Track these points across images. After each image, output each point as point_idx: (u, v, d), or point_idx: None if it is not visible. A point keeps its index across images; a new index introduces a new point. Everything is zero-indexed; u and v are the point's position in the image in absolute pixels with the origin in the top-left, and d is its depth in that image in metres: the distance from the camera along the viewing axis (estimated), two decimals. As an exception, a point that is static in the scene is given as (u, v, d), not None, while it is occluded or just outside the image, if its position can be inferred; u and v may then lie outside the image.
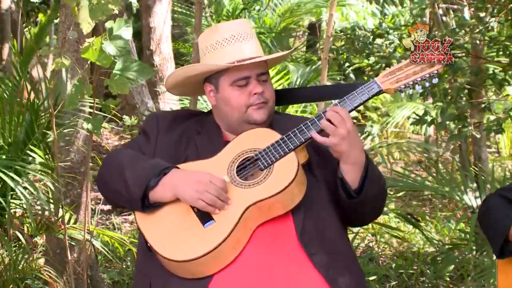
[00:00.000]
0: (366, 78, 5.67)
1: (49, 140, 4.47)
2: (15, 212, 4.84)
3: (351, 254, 2.63)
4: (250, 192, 2.49)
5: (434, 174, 5.79)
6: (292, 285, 2.44)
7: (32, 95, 4.52)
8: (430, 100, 7.45)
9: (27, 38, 8.99)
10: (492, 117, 5.53)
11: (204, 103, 6.64)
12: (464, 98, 5.54)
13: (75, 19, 3.17)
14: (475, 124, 5.75)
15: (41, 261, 4.77)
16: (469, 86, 5.60)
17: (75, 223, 4.53)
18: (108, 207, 7.22)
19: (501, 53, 5.67)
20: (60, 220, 4.37)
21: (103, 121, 3.68)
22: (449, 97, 5.46)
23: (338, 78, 8.34)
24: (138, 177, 2.51)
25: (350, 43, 5.68)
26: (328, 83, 6.24)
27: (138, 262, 2.67)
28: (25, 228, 4.82)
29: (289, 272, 2.46)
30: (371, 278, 5.41)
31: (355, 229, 5.67)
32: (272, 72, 6.74)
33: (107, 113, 4.09)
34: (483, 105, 5.74)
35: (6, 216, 4.19)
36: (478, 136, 5.93)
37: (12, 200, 4.34)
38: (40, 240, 5.08)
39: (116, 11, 3.20)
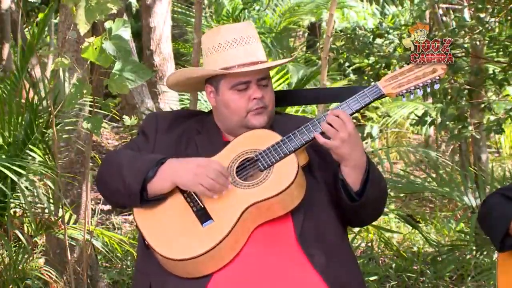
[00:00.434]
0: (366, 78, 5.67)
1: (48, 139, 4.47)
2: (15, 212, 4.84)
3: (350, 255, 2.63)
4: (250, 193, 2.49)
5: (434, 175, 5.78)
6: (290, 285, 2.44)
7: (32, 95, 4.52)
8: (430, 100, 7.46)
9: (27, 38, 8.99)
10: (492, 117, 5.53)
11: (204, 103, 6.64)
12: (464, 98, 5.54)
13: (73, 19, 3.17)
14: (475, 125, 5.75)
15: (41, 261, 4.77)
16: (469, 86, 5.60)
17: (75, 223, 4.53)
18: (108, 207, 7.22)
19: (501, 53, 5.67)
20: (60, 220, 4.37)
21: (103, 121, 3.68)
22: (449, 97, 5.46)
23: (338, 78, 8.35)
24: (136, 172, 2.51)
25: (350, 43, 5.68)
26: (328, 83, 6.25)
27: (137, 261, 2.67)
28: (25, 228, 4.82)
29: (288, 273, 2.46)
30: (371, 278, 5.41)
31: (355, 229, 5.67)
32: (271, 72, 6.73)
33: (107, 112, 4.09)
34: (483, 105, 5.74)
35: (6, 216, 4.19)
36: (478, 136, 5.92)
37: (12, 200, 4.33)
38: (40, 240, 5.08)
39: (115, 11, 3.20)
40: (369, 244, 6.17)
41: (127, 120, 7.04)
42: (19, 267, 4.40)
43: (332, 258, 2.51)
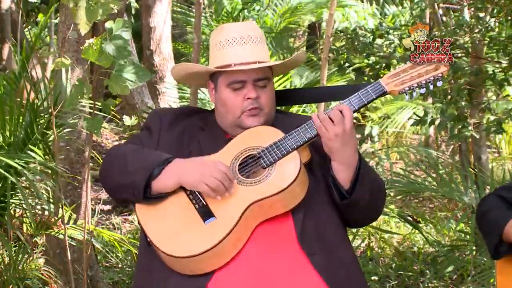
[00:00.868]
0: (366, 78, 5.67)
1: (49, 140, 4.47)
2: (15, 212, 4.84)
3: (350, 254, 2.63)
4: (252, 190, 2.49)
5: (434, 175, 5.79)
6: (291, 285, 2.45)
7: (32, 95, 4.52)
8: (430, 100, 7.46)
9: (27, 38, 8.98)
10: (492, 117, 5.54)
11: (207, 105, 6.64)
12: (464, 98, 5.54)
13: (73, 19, 3.17)
14: (475, 125, 5.75)
15: (41, 261, 4.77)
16: (469, 86, 5.60)
17: (75, 223, 4.53)
18: (108, 207, 7.22)
19: (501, 53, 5.67)
20: (60, 220, 4.37)
21: (103, 121, 3.68)
22: (449, 97, 5.46)
23: (338, 78, 8.34)
24: (141, 167, 2.51)
25: (350, 43, 5.68)
26: (328, 84, 6.25)
27: (139, 259, 2.67)
28: (25, 228, 4.82)
29: (288, 272, 2.46)
30: (371, 278, 5.41)
31: (355, 229, 5.67)
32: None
33: (107, 113, 4.09)
34: (483, 105, 5.74)
35: (6, 216, 4.19)
36: (478, 136, 5.93)
37: (12, 200, 4.33)
38: (40, 240, 5.08)
39: (115, 11, 3.20)
40: (369, 244, 6.17)
41: (127, 120, 7.04)
42: (19, 267, 4.40)
43: (332, 257, 2.51)
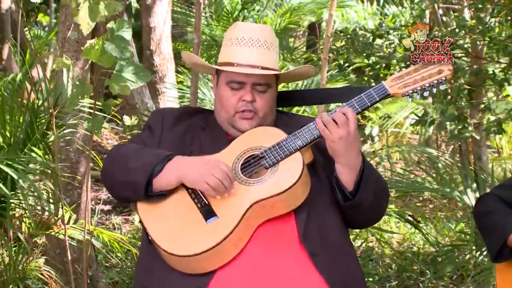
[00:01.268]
0: (366, 78, 5.67)
1: (49, 140, 4.47)
2: (15, 212, 4.84)
3: (352, 255, 2.64)
4: (254, 190, 2.49)
5: (434, 175, 5.79)
6: (292, 285, 2.45)
7: (32, 95, 4.52)
8: (430, 100, 7.46)
9: (27, 38, 8.98)
10: (492, 118, 5.54)
11: (205, 103, 6.64)
12: (464, 99, 5.54)
13: (75, 19, 3.17)
14: (475, 125, 5.76)
15: (41, 261, 4.77)
16: (469, 87, 5.60)
17: (75, 223, 4.53)
18: (108, 207, 7.22)
19: (501, 53, 5.67)
20: (60, 220, 4.37)
21: (103, 121, 3.68)
22: (449, 97, 5.46)
23: (338, 78, 8.34)
24: (143, 165, 2.51)
25: (350, 43, 5.68)
26: (328, 84, 6.25)
27: (140, 257, 2.67)
28: (25, 228, 4.82)
29: (290, 273, 2.46)
30: (371, 278, 5.41)
31: (355, 230, 5.67)
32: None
33: (107, 113, 4.09)
34: (483, 105, 5.74)
35: (6, 216, 4.19)
36: (478, 137, 5.93)
37: (12, 200, 4.33)
38: (40, 240, 5.08)
39: (119, 11, 3.20)
40: (369, 244, 6.17)
41: (127, 120, 7.04)
42: (19, 267, 4.40)
43: (334, 258, 2.51)
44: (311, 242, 2.50)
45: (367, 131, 7.87)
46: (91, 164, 4.46)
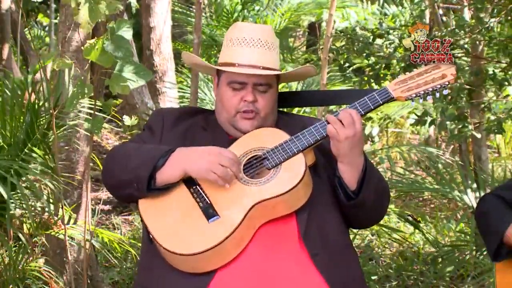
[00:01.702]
0: (366, 78, 5.67)
1: (49, 140, 4.47)
2: (15, 212, 4.84)
3: (353, 255, 2.64)
4: (256, 191, 2.49)
5: (434, 175, 5.79)
6: (293, 285, 2.45)
7: (33, 96, 4.52)
8: (429, 99, 7.45)
9: (27, 38, 8.99)
10: (492, 117, 5.54)
11: (205, 103, 6.64)
12: (464, 98, 5.55)
13: (75, 19, 3.17)
14: (475, 124, 5.76)
15: (41, 261, 4.77)
16: (469, 86, 5.60)
17: (75, 223, 4.53)
18: (108, 207, 7.22)
19: (501, 53, 5.67)
20: (60, 220, 4.37)
21: (103, 121, 3.68)
22: (449, 97, 5.46)
23: (338, 78, 8.34)
24: (145, 159, 2.50)
25: (350, 43, 5.68)
26: (328, 85, 6.25)
27: (140, 257, 2.67)
28: (25, 228, 4.82)
29: (290, 273, 2.46)
30: (371, 278, 5.41)
31: (355, 230, 5.67)
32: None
33: (107, 113, 4.09)
34: (483, 105, 5.75)
35: (6, 216, 4.19)
36: (478, 136, 5.93)
37: (12, 200, 4.33)
38: (40, 240, 5.08)
39: (120, 11, 3.20)
40: (369, 244, 6.17)
41: (127, 120, 7.05)
42: (19, 267, 4.40)
43: (335, 258, 2.52)
44: (311, 242, 2.50)
45: (367, 131, 7.87)
46: (91, 164, 4.46)
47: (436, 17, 6.32)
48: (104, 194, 7.10)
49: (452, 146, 8.57)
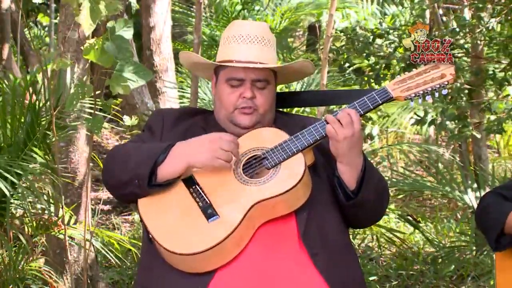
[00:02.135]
0: (366, 78, 5.67)
1: (50, 140, 4.47)
2: (15, 212, 4.84)
3: (352, 255, 2.64)
4: (256, 190, 2.49)
5: (435, 174, 5.79)
6: (292, 285, 2.45)
7: (34, 96, 4.52)
8: (428, 98, 7.45)
9: (27, 38, 8.99)
10: (492, 117, 5.54)
11: (205, 102, 6.64)
12: (464, 98, 5.55)
13: (76, 19, 3.17)
14: (475, 124, 5.76)
15: (41, 261, 4.77)
16: (469, 86, 5.60)
17: (75, 223, 4.53)
18: (108, 207, 7.22)
19: (501, 53, 5.67)
20: (60, 220, 4.37)
21: (103, 121, 3.68)
22: (449, 97, 5.46)
23: (339, 78, 8.34)
24: (145, 157, 2.50)
25: (350, 43, 5.68)
26: (328, 85, 6.24)
27: (141, 257, 2.66)
28: (25, 228, 4.82)
29: (290, 273, 2.46)
30: (371, 278, 5.41)
31: (356, 230, 5.67)
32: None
33: (107, 113, 4.09)
34: (483, 105, 5.75)
35: (6, 216, 4.19)
36: (478, 136, 5.93)
37: (12, 200, 4.33)
38: (40, 240, 5.08)
39: (120, 11, 3.20)
40: (369, 244, 6.17)
41: (127, 120, 7.04)
42: (19, 267, 4.40)
43: (334, 258, 2.52)
44: (311, 242, 2.50)
45: (367, 131, 7.87)
46: (91, 164, 4.46)
47: (436, 17, 6.32)
48: (104, 194, 7.10)
49: (452, 146, 8.57)
